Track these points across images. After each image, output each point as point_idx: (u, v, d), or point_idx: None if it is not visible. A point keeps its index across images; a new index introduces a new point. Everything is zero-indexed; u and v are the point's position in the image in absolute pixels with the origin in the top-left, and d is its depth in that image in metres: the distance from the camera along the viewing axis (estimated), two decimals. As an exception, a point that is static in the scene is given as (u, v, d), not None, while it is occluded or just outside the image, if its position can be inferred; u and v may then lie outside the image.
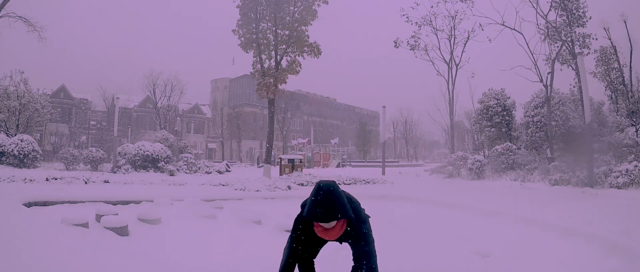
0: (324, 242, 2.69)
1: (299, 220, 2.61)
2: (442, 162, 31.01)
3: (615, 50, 21.92)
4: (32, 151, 18.29)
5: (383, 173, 21.53)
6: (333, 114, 77.47)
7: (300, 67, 17.51)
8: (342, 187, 2.49)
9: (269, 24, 17.45)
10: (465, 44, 26.39)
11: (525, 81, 26.27)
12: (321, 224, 2.34)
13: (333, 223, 2.33)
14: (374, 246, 2.55)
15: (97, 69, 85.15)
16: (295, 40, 17.13)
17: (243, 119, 57.50)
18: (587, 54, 20.16)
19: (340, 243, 2.65)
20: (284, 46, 17.32)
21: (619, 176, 11.58)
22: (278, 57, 17.34)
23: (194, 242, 4.86)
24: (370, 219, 2.70)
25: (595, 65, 23.01)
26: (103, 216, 5.35)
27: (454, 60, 26.60)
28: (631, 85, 21.31)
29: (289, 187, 11.70)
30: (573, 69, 20.86)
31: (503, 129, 22.50)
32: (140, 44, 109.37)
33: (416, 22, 26.68)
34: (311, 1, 17.25)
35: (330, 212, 2.25)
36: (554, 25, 20.32)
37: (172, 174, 18.74)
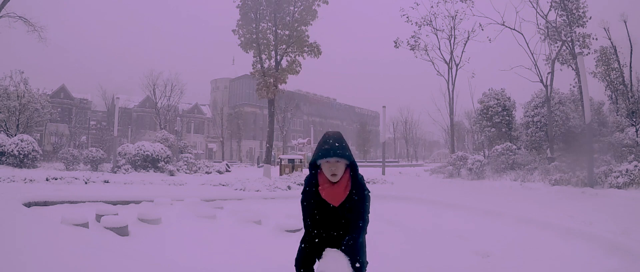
0: (329, 212, 2.61)
1: (305, 189, 2.58)
2: (442, 162, 31.02)
3: (615, 50, 21.95)
4: (32, 150, 18.29)
5: (383, 173, 21.52)
6: (333, 114, 77.51)
7: (300, 67, 17.51)
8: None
9: (269, 24, 17.45)
10: (465, 44, 26.38)
11: (525, 81, 26.37)
12: (328, 175, 2.40)
13: (340, 169, 2.39)
14: (366, 224, 2.51)
15: (97, 69, 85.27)
16: (295, 40, 17.13)
17: (243, 119, 57.48)
18: (587, 54, 20.18)
19: (341, 217, 2.55)
20: (284, 46, 17.32)
21: (619, 176, 11.58)
22: (278, 57, 17.34)
23: (194, 242, 4.85)
24: (368, 223, 2.72)
25: (595, 65, 23.03)
26: (103, 216, 5.35)
27: (454, 60, 26.58)
28: (631, 85, 21.33)
29: (289, 187, 11.70)
30: (573, 69, 20.88)
31: (503, 129, 22.51)
32: (140, 43, 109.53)
33: (416, 22, 26.67)
34: (311, 1, 17.25)
35: (337, 147, 2.37)
36: (554, 25, 20.33)
37: (172, 174, 18.74)
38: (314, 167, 2.49)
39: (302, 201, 2.55)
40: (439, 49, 26.84)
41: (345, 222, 2.50)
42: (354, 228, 2.44)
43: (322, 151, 2.38)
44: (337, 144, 2.38)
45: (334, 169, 2.38)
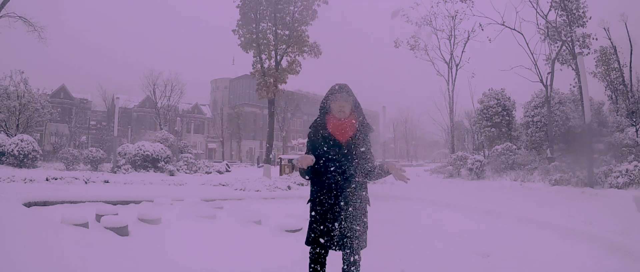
0: (334, 148, 2.66)
1: (310, 130, 2.78)
2: (442, 162, 31.02)
3: (615, 50, 21.97)
4: (32, 150, 18.28)
5: (383, 173, 21.49)
6: (333, 114, 77.22)
7: (300, 67, 17.52)
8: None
9: (269, 24, 17.44)
10: (465, 44, 26.33)
11: (525, 81, 26.30)
12: (336, 112, 2.63)
13: (347, 107, 2.66)
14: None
15: (97, 69, 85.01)
16: (295, 40, 17.13)
17: (243, 119, 57.43)
18: (587, 54, 20.18)
19: (346, 155, 2.65)
20: (284, 46, 17.32)
21: (619, 176, 11.58)
22: (278, 57, 17.34)
23: (194, 242, 4.85)
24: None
25: (595, 65, 23.05)
26: (103, 216, 5.35)
27: (454, 60, 26.56)
28: (631, 85, 21.35)
29: (289, 187, 11.70)
30: (573, 69, 20.87)
31: (503, 129, 22.52)
32: (140, 43, 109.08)
33: (416, 22, 26.69)
34: (311, 1, 17.25)
35: (346, 91, 2.67)
36: (554, 25, 20.33)
37: (172, 174, 18.74)
38: (323, 109, 2.76)
39: (310, 135, 2.75)
40: (439, 49, 26.84)
41: (350, 158, 2.66)
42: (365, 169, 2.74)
43: (331, 91, 2.71)
44: (344, 88, 2.69)
45: (341, 106, 2.65)
